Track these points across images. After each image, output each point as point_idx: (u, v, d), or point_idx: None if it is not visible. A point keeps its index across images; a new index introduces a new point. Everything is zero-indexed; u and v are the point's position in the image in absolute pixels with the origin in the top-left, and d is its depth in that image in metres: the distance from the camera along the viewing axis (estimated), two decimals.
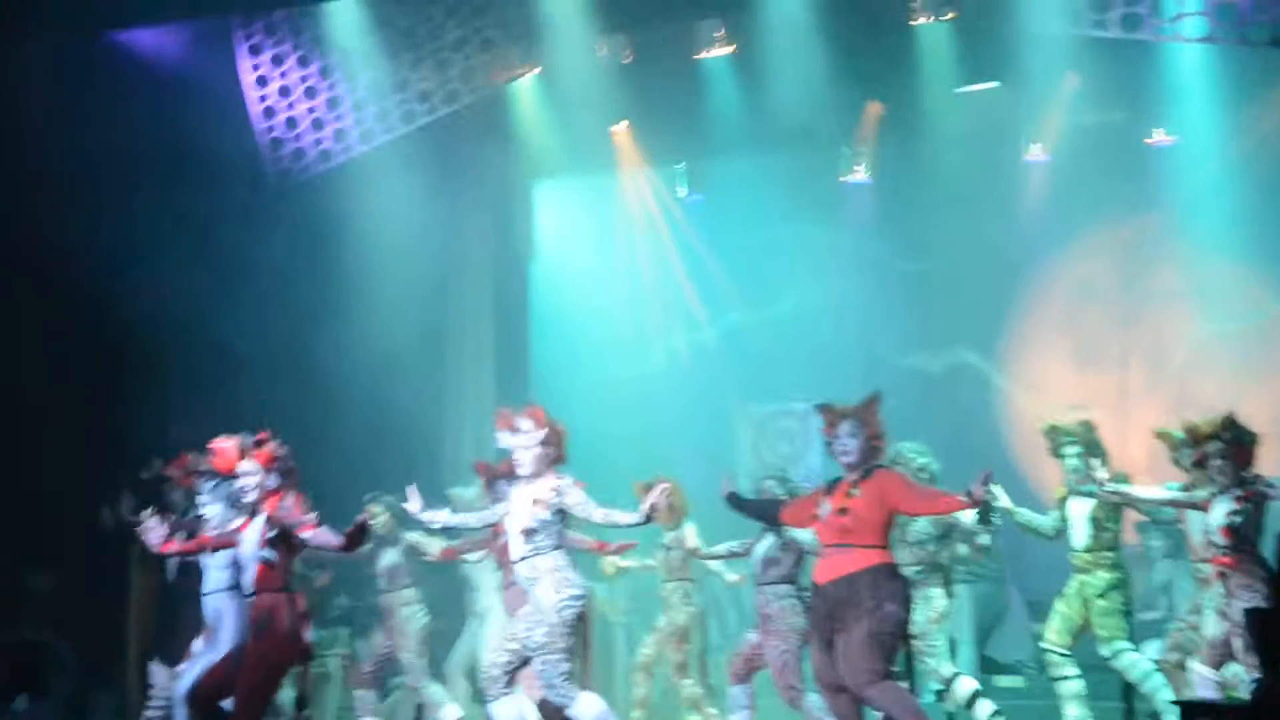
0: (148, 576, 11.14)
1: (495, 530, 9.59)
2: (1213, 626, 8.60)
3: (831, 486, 8.05)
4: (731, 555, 10.17)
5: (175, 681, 9.21)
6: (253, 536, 7.74)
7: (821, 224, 15.53)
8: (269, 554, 7.66)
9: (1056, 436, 10.12)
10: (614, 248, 15.90)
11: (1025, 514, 10.29)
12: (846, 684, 7.75)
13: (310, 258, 12.80)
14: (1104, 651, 9.93)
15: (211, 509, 8.66)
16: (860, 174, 15.00)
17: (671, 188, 15.76)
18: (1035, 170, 14.46)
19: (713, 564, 11.00)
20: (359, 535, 7.56)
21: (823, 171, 15.19)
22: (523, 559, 8.09)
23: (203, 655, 8.67)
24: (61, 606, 11.23)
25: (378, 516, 10.71)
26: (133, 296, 11.63)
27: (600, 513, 8.15)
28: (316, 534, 7.65)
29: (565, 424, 8.36)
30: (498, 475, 9.65)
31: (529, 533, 8.08)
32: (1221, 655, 8.55)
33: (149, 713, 10.35)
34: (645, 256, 15.90)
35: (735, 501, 8.72)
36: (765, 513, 8.97)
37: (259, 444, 7.81)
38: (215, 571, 8.55)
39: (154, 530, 8.26)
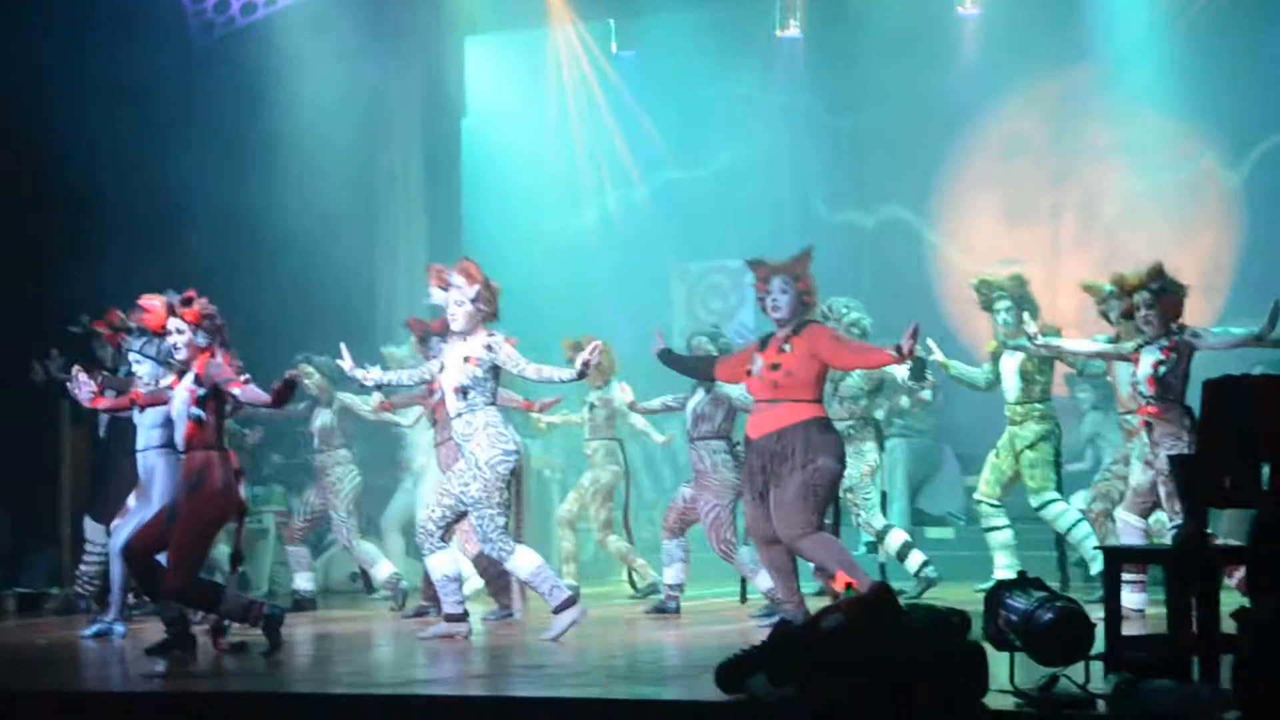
0: (79, 433, 11.11)
1: (430, 388, 9.60)
2: (1138, 475, 8.75)
3: (764, 342, 8.10)
4: (666, 409, 10.22)
5: (109, 537, 9.22)
6: (183, 394, 7.70)
7: (754, 80, 15.44)
8: (199, 411, 7.63)
9: (988, 291, 10.19)
10: (546, 104, 15.75)
11: (958, 366, 10.41)
12: (779, 536, 7.85)
13: (238, 113, 12.64)
14: (1033, 501, 10.10)
15: (141, 366, 8.61)
16: (793, 29, 14.87)
17: (603, 44, 15.59)
18: (968, 23, 14.39)
19: (640, 424, 11.09)
20: (287, 391, 7.53)
21: (755, 27, 15.06)
22: (457, 415, 8.11)
23: (136, 512, 8.67)
24: None
25: (310, 376, 10.69)
26: (62, 153, 11.46)
27: (533, 369, 8.16)
28: (246, 390, 7.62)
29: (498, 281, 8.35)
30: (430, 332, 9.63)
31: (462, 390, 8.09)
32: (1147, 503, 8.71)
33: (83, 568, 10.37)
34: (577, 113, 15.76)
35: (668, 358, 8.76)
36: (699, 368, 9.03)
37: (186, 302, 7.74)
38: (147, 429, 8.51)
39: (83, 385, 8.20)
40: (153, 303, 7.84)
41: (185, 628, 7.93)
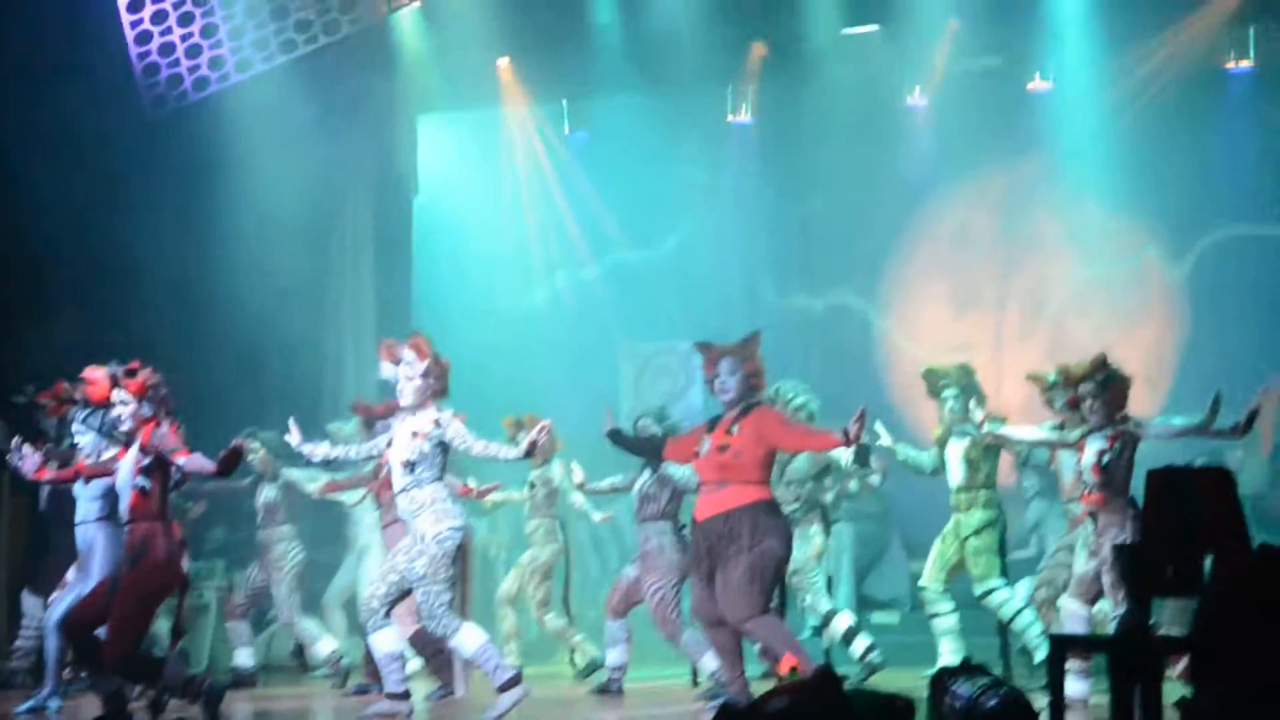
0: (19, 505, 11.00)
1: (377, 467, 9.58)
2: (1082, 564, 8.81)
3: (712, 424, 8.15)
4: (614, 490, 10.25)
5: (47, 611, 9.11)
6: (128, 464, 7.65)
7: (705, 164, 15.56)
8: (144, 481, 7.58)
9: (935, 379, 10.28)
10: (498, 183, 15.80)
11: (905, 450, 10.46)
12: (726, 618, 7.84)
13: (189, 186, 12.63)
14: (976, 589, 10.12)
15: (84, 437, 8.56)
16: (744, 115, 15.01)
17: (556, 125, 15.68)
18: (916, 115, 14.56)
19: (579, 502, 11.11)
20: (233, 460, 7.51)
21: (706, 111, 15.18)
22: (403, 490, 8.08)
23: (74, 585, 8.58)
24: None
25: (255, 452, 10.64)
26: (13, 220, 11.43)
27: (479, 445, 8.15)
28: (190, 460, 7.59)
29: (448, 357, 8.35)
30: (375, 416, 9.63)
31: (409, 465, 8.07)
32: (1091, 591, 8.76)
33: (19, 643, 10.24)
34: (529, 193, 15.83)
35: (617, 438, 8.78)
36: (646, 449, 9.06)
37: (130, 373, 7.71)
38: (87, 501, 8.46)
39: (27, 458, 8.13)
40: (96, 374, 7.82)
41: (123, 704, 7.83)
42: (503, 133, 15.74)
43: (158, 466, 7.61)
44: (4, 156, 11.31)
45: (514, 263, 15.84)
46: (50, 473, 8.30)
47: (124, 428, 7.73)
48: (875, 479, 10.94)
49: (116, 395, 7.70)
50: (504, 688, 8.04)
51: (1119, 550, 7.20)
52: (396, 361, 8.17)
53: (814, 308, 15.30)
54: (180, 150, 12.55)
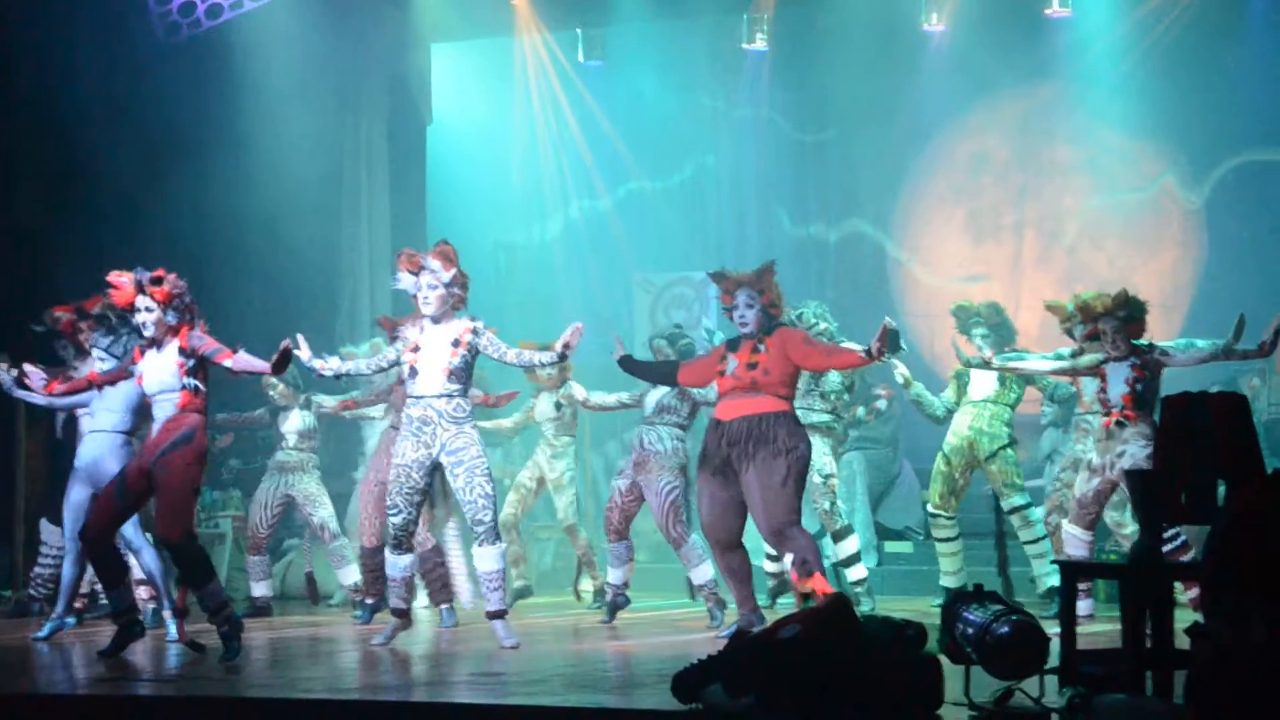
0: (35, 435, 11.04)
1: (396, 383, 9.63)
2: (1081, 485, 8.79)
3: (734, 344, 8.22)
4: (622, 406, 10.28)
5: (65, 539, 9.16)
6: (167, 368, 7.65)
7: (720, 92, 15.47)
8: (194, 381, 7.65)
9: (965, 316, 10.23)
10: (511, 112, 15.73)
11: (920, 389, 10.44)
12: (767, 524, 7.93)
13: (203, 116, 12.57)
14: (1008, 503, 10.10)
15: (104, 364, 8.57)
16: (760, 42, 14.89)
17: (570, 53, 15.58)
18: (933, 40, 14.44)
19: (607, 400, 11.10)
20: (285, 360, 7.56)
21: (721, 39, 15.08)
22: (447, 396, 8.10)
23: (80, 497, 8.64)
24: None
25: (274, 387, 10.67)
26: (24, 146, 11.40)
27: (513, 353, 8.24)
28: (238, 359, 7.65)
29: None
30: (400, 327, 9.64)
31: (455, 372, 8.11)
32: (1090, 514, 8.74)
33: (37, 570, 10.29)
34: (542, 122, 15.76)
35: (628, 364, 8.82)
36: (661, 374, 9.06)
37: (156, 280, 7.71)
38: (103, 412, 8.51)
39: (34, 375, 8.18)
40: (121, 279, 7.79)
41: (135, 616, 7.92)
42: (516, 61, 15.65)
43: (200, 368, 7.66)
44: (16, 83, 11.25)
45: (528, 192, 15.80)
46: (63, 384, 8.33)
47: (147, 333, 7.73)
48: (881, 404, 10.97)
49: (141, 301, 7.70)
50: (494, 615, 8.13)
51: (1132, 476, 7.17)
52: (416, 270, 8.16)
53: (829, 236, 15.25)
54: (193, 78, 12.50)
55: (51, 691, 6.95)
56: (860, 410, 11.07)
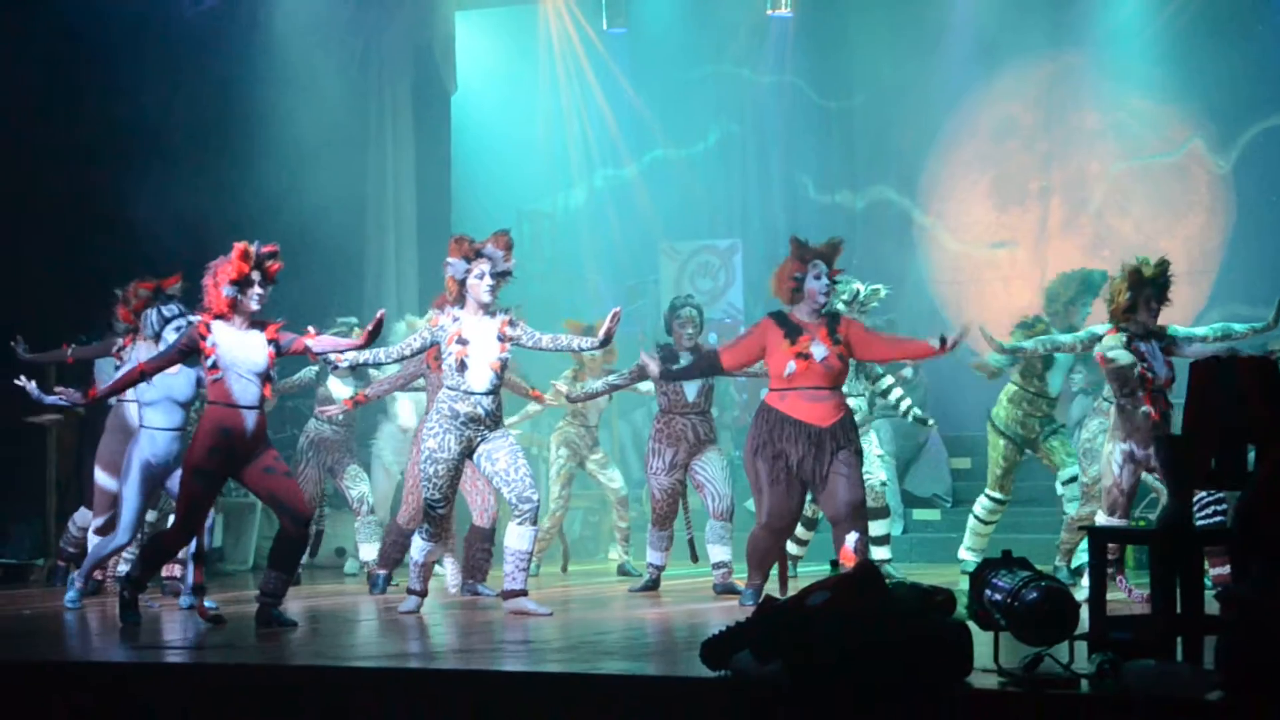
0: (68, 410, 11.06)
1: (416, 373, 9.60)
2: (1127, 477, 8.58)
3: (794, 329, 8.23)
4: (613, 389, 10.10)
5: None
6: (256, 349, 7.71)
7: (744, 59, 15.42)
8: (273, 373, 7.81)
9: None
10: (536, 80, 15.72)
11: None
12: (854, 498, 8.21)
13: (227, 86, 12.58)
14: (1065, 475, 10.05)
15: (147, 347, 8.56)
16: (784, 8, 14.82)
17: (594, 20, 15.56)
18: (960, 6, 14.37)
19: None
20: (376, 330, 7.63)
21: (746, 5, 15.03)
22: (491, 393, 8.11)
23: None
24: None
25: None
26: (47, 120, 11.41)
27: (548, 339, 8.21)
28: (319, 341, 7.78)
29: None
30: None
31: (502, 367, 8.13)
32: (1113, 501, 8.57)
33: (65, 541, 10.32)
34: (567, 90, 15.74)
35: (672, 375, 8.88)
36: (704, 367, 8.94)
37: (272, 255, 7.76)
38: (169, 406, 8.54)
39: (65, 394, 8.28)
40: (240, 247, 7.79)
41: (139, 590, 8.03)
42: (540, 29, 15.64)
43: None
44: (32, 57, 11.26)
45: (552, 160, 15.79)
46: (102, 388, 8.29)
47: (253, 307, 7.75)
48: (908, 372, 10.95)
49: (256, 275, 7.72)
50: (514, 594, 8.17)
51: (1161, 441, 7.15)
52: (471, 256, 8.12)
53: (854, 204, 15.21)
54: (214, 49, 12.50)
55: (88, 659, 7.01)
56: (884, 381, 11.01)
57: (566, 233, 15.65)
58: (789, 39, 15.18)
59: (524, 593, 8.21)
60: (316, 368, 10.72)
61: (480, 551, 9.64)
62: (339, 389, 10.73)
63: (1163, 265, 8.42)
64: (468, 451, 8.15)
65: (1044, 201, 14.60)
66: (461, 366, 8.05)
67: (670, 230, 15.63)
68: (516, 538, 8.16)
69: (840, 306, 9.40)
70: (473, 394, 8.06)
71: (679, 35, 15.13)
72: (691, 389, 9.72)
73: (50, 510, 10.98)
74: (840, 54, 14.96)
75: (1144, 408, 8.36)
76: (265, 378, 7.74)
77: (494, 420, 8.14)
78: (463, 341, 8.07)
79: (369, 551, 10.77)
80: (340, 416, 10.51)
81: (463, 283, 8.11)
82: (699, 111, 15.59)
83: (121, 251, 10.31)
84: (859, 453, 8.41)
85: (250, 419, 7.71)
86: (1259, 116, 13.71)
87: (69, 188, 11.54)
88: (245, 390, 7.66)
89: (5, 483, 11.28)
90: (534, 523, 8.16)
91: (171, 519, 8.20)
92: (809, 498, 8.80)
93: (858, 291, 9.88)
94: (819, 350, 8.25)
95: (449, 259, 8.13)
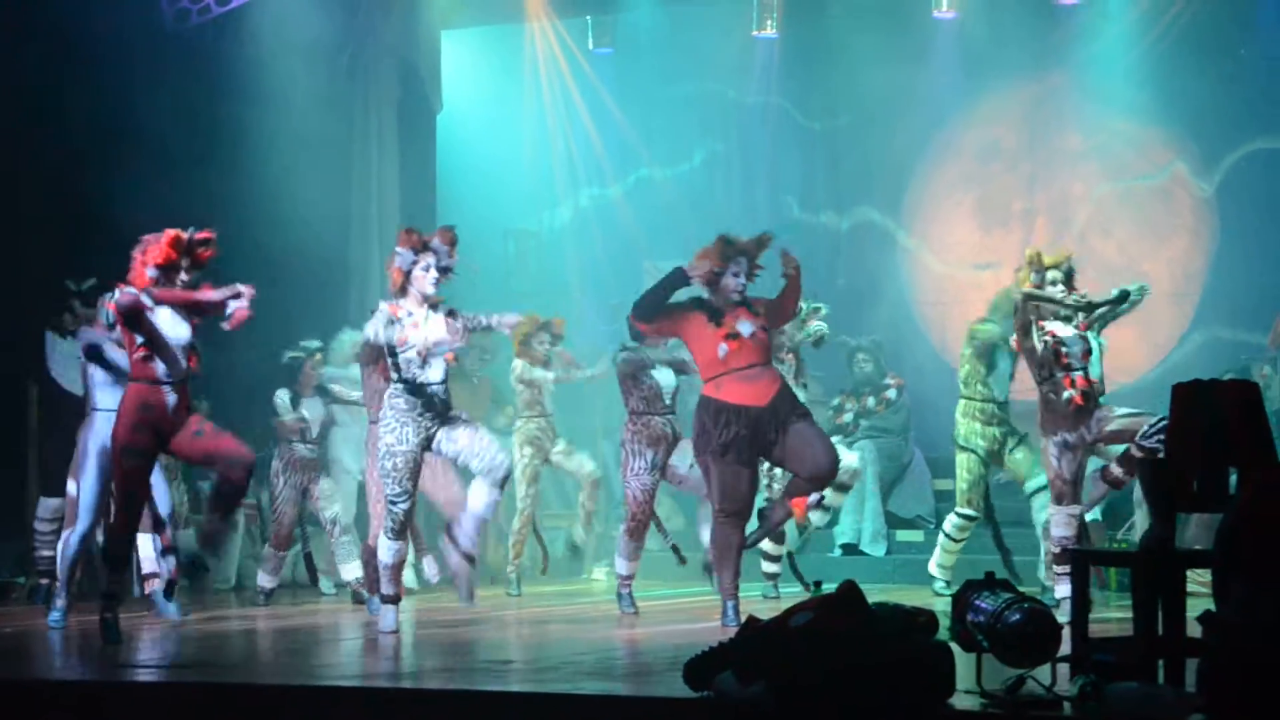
0: (47, 421, 11.01)
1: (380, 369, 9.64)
2: (1067, 466, 8.76)
3: (717, 310, 8.31)
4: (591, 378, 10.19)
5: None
6: (181, 322, 7.93)
7: (730, 80, 15.44)
8: None
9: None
10: (521, 100, 15.72)
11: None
12: (829, 462, 8.35)
13: (211, 104, 12.57)
14: (1032, 486, 10.07)
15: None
16: (769, 29, 14.86)
17: (580, 40, 15.58)
18: (943, 27, 14.40)
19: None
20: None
21: (731, 26, 15.06)
22: (444, 382, 8.17)
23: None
24: None
25: (335, 381, 10.79)
26: (27, 137, 11.39)
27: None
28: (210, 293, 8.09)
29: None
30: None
31: (456, 357, 8.24)
32: (1059, 491, 8.78)
33: (40, 554, 10.26)
34: (552, 109, 15.74)
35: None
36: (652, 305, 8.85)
37: (205, 243, 8.08)
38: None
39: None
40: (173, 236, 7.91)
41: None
42: (526, 49, 15.64)
43: None
44: (20, 66, 11.24)
45: (537, 180, 15.78)
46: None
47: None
48: (892, 393, 10.99)
49: (185, 262, 7.85)
50: (457, 544, 8.25)
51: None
52: (419, 249, 8.17)
53: (838, 225, 15.22)
54: (202, 64, 12.49)
55: (65, 678, 6.98)
56: (871, 400, 11.07)
57: (552, 251, 15.64)
58: (774, 60, 15.21)
59: (472, 559, 8.23)
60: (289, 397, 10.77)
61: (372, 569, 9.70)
62: (315, 413, 10.82)
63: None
64: (425, 443, 8.16)
65: (1028, 223, 14.61)
66: (422, 361, 8.10)
67: (654, 249, 15.61)
68: (478, 497, 8.19)
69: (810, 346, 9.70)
70: (429, 384, 8.10)
71: (665, 55, 15.15)
72: (667, 390, 9.79)
73: (30, 528, 10.92)
74: (825, 75, 14.98)
75: (1066, 393, 8.55)
76: (191, 349, 7.81)
77: (447, 408, 8.17)
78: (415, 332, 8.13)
79: (349, 571, 10.75)
80: (313, 432, 10.72)
81: (408, 274, 8.16)
82: (684, 131, 15.61)
83: (108, 259, 10.27)
84: (808, 415, 8.51)
85: (173, 395, 7.87)
86: (1242, 140, 13.74)
87: (55, 192, 11.52)
88: (173, 365, 7.76)
89: None
90: (501, 487, 8.20)
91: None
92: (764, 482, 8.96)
93: (823, 332, 10.07)
94: (746, 327, 8.38)
95: (397, 249, 8.22)
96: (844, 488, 10.24)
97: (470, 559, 8.20)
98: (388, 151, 14.19)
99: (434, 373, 8.14)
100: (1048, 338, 8.71)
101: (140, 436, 7.84)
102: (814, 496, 8.48)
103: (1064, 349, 8.67)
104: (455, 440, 8.15)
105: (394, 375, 8.15)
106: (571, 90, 15.68)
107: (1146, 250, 13.75)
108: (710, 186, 15.49)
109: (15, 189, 11.40)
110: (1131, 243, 13.81)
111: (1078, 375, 8.65)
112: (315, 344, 11.01)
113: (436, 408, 8.13)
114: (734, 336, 8.37)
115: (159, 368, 7.77)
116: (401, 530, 8.27)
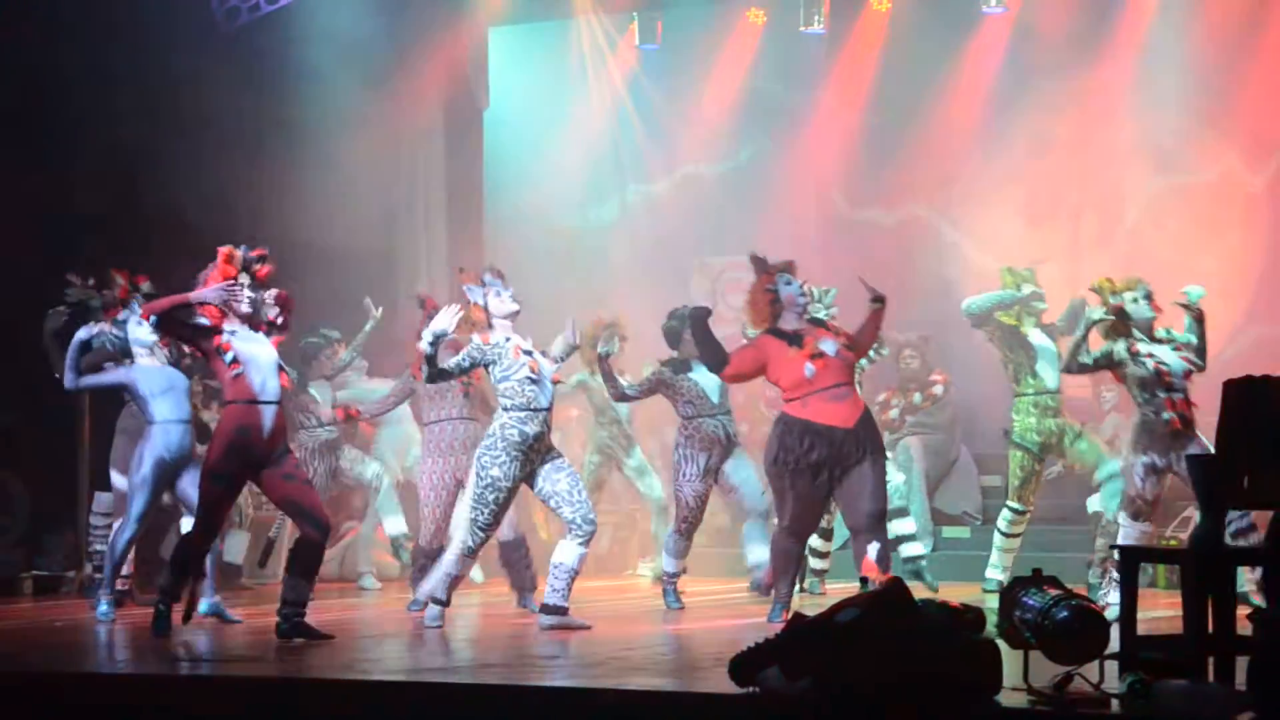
0: (98, 416, 11.09)
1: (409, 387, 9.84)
2: (1151, 488, 8.60)
3: (794, 335, 8.22)
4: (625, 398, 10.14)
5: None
6: (264, 342, 7.92)
7: (777, 76, 15.41)
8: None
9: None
10: (568, 97, 15.73)
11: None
12: (875, 509, 8.22)
13: (259, 102, 12.63)
14: (1102, 475, 10.03)
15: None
16: (816, 25, 14.81)
17: (627, 36, 15.57)
18: (993, 22, 14.34)
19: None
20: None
21: (779, 22, 15.03)
22: (550, 409, 8.21)
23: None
24: (14, 446, 11.16)
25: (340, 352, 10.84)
26: (78, 136, 11.46)
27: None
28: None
29: (519, 276, 8.60)
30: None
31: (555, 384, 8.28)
32: (1137, 509, 8.59)
33: (95, 548, 10.33)
34: (599, 106, 15.74)
35: (694, 335, 8.81)
36: (713, 352, 8.75)
37: (261, 259, 7.93)
38: (178, 396, 8.70)
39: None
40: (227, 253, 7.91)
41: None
42: (573, 45, 15.65)
43: None
44: (71, 67, 11.31)
45: (584, 176, 15.77)
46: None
47: (244, 310, 7.84)
48: (938, 389, 10.92)
49: (245, 278, 7.84)
50: (554, 610, 8.20)
51: (1194, 461, 7.11)
52: (477, 283, 8.35)
53: (885, 220, 15.16)
54: (252, 63, 12.55)
55: (112, 670, 7.02)
56: (917, 396, 11.00)
57: (598, 248, 15.64)
58: (821, 55, 15.16)
59: (564, 610, 8.19)
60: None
61: (419, 571, 9.68)
62: (320, 393, 10.86)
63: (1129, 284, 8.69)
64: (527, 478, 8.17)
65: (1077, 218, 14.52)
66: (534, 380, 8.08)
67: (702, 246, 15.61)
68: (568, 553, 8.18)
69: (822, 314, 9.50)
70: (540, 410, 8.08)
71: (711, 51, 15.13)
72: (713, 390, 9.69)
73: (82, 522, 11.00)
74: (872, 70, 14.92)
75: (1166, 414, 8.41)
76: (279, 368, 7.84)
77: (549, 440, 8.20)
78: (528, 354, 8.15)
79: (394, 525, 10.85)
80: (333, 420, 10.75)
81: (486, 306, 8.19)
82: (731, 127, 15.57)
83: (161, 254, 10.36)
84: (883, 454, 8.44)
85: (269, 415, 7.78)
86: None
87: (108, 187, 11.60)
88: (265, 385, 7.74)
89: (37, 494, 11.30)
90: (588, 544, 8.19)
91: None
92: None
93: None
94: (829, 346, 8.29)
95: (465, 286, 8.26)
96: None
97: (563, 613, 8.21)
98: (434, 149, 14.26)
99: (546, 396, 8.16)
100: (1146, 360, 8.57)
101: (229, 463, 7.74)
102: (873, 547, 8.25)
103: (1166, 369, 8.56)
104: (556, 483, 8.16)
105: (504, 403, 8.14)
106: (618, 86, 15.68)
107: (1199, 245, 13.61)
108: (757, 182, 15.44)
109: (70, 185, 11.48)
110: (1184, 237, 13.68)
111: (1179, 398, 8.54)
112: (335, 333, 11.04)
113: (543, 438, 8.14)
114: (819, 356, 8.29)
115: (254, 384, 7.72)
116: (478, 550, 8.33)
